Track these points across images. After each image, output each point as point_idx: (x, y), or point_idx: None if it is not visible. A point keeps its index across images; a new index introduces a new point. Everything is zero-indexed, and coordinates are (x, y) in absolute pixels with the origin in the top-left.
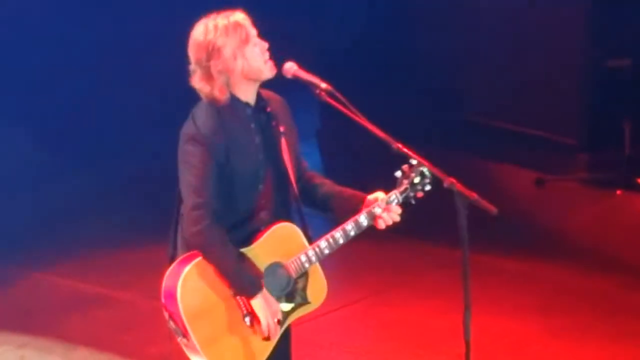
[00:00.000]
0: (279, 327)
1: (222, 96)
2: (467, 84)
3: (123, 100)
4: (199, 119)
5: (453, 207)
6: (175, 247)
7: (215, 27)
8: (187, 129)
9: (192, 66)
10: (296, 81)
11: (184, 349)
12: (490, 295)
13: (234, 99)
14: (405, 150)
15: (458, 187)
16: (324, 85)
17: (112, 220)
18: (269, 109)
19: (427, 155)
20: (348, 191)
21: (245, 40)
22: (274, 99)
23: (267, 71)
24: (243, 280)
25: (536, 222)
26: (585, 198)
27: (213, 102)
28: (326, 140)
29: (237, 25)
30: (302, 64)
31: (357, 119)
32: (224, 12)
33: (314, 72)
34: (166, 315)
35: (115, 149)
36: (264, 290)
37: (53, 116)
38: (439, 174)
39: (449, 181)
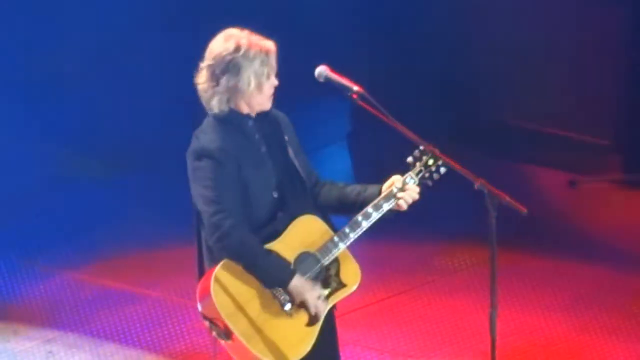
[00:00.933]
0: (324, 303)
1: (219, 107)
2: (501, 85)
3: (151, 102)
4: (204, 137)
5: (481, 207)
6: (201, 267)
7: (248, 48)
8: (193, 147)
9: (203, 65)
10: (327, 84)
11: (231, 353)
12: (520, 293)
13: (234, 113)
14: (436, 152)
15: (488, 187)
16: (356, 88)
17: (139, 220)
18: (269, 118)
19: (459, 157)
20: (363, 186)
21: (268, 75)
22: (274, 113)
23: (267, 106)
24: (273, 272)
25: (569, 223)
26: (619, 199)
27: (215, 117)
28: (357, 143)
29: (267, 56)
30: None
31: (389, 121)
32: (257, 35)
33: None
34: (207, 324)
35: (142, 150)
36: (297, 274)
37: (80, 118)
38: (469, 175)
39: (479, 182)
